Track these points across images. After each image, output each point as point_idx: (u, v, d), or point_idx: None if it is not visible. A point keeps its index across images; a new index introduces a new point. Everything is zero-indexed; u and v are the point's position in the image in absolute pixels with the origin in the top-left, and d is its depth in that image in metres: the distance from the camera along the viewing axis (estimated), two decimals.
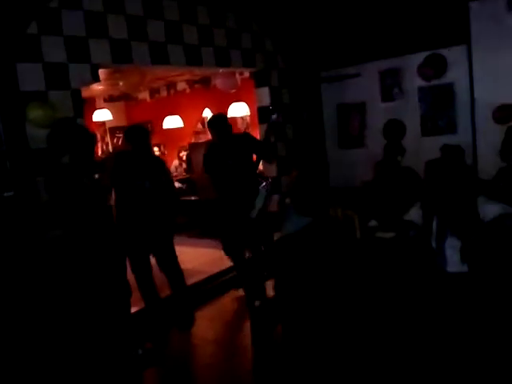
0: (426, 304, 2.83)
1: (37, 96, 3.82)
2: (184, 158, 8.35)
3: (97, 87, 6.92)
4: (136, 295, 4.13)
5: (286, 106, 6.26)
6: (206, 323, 4.45)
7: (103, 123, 9.15)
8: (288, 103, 6.33)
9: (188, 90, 8.41)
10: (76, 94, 4.07)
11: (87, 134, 3.46)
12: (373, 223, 3.63)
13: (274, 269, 3.23)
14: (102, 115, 8.70)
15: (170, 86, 8.59)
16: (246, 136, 4.57)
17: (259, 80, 6.11)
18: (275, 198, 5.12)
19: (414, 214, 3.17)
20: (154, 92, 8.88)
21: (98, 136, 9.11)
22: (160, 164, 4.27)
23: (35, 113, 3.59)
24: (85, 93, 6.04)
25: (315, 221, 3.06)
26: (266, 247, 4.35)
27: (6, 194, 3.61)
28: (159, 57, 4.84)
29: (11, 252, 3.47)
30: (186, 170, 8.22)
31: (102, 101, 9.11)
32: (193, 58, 5.17)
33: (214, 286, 5.21)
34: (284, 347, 3.23)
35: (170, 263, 4.29)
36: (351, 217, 3.48)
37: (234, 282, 5.02)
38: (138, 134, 4.16)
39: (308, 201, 3.05)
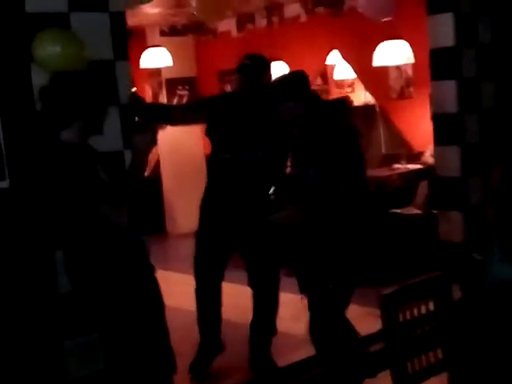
0: None
1: (53, 20, 3.12)
2: None
3: (151, 11, 6.08)
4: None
5: (483, 48, 4.96)
6: None
7: (157, 71, 7.82)
8: (487, 43, 4.96)
9: (303, 18, 7.04)
10: (117, 18, 3.27)
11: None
12: None
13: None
14: (155, 58, 7.24)
15: (273, 10, 7.39)
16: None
17: (436, 1, 4.82)
18: (455, 217, 4.73)
19: None
20: (244, 21, 7.64)
21: (148, 90, 8.08)
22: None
23: (48, 48, 2.93)
24: (129, 21, 4.88)
25: None
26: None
27: None
28: None
29: None
30: None
31: (158, 34, 7.78)
32: None
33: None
34: None
35: (266, 275, 3.53)
36: None
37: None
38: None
39: None
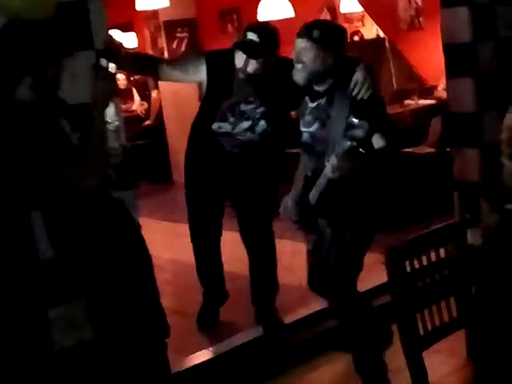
0: None
1: None
2: None
3: None
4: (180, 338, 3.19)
5: None
6: None
7: (155, 13, 7.66)
8: None
9: None
10: None
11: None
12: None
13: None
14: None
15: None
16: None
17: None
18: (470, 154, 4.68)
19: None
20: None
21: (147, 35, 7.86)
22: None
23: None
24: None
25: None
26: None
27: None
28: None
29: None
30: None
31: None
32: None
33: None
34: None
35: (259, 230, 3.38)
36: None
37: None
38: None
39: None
